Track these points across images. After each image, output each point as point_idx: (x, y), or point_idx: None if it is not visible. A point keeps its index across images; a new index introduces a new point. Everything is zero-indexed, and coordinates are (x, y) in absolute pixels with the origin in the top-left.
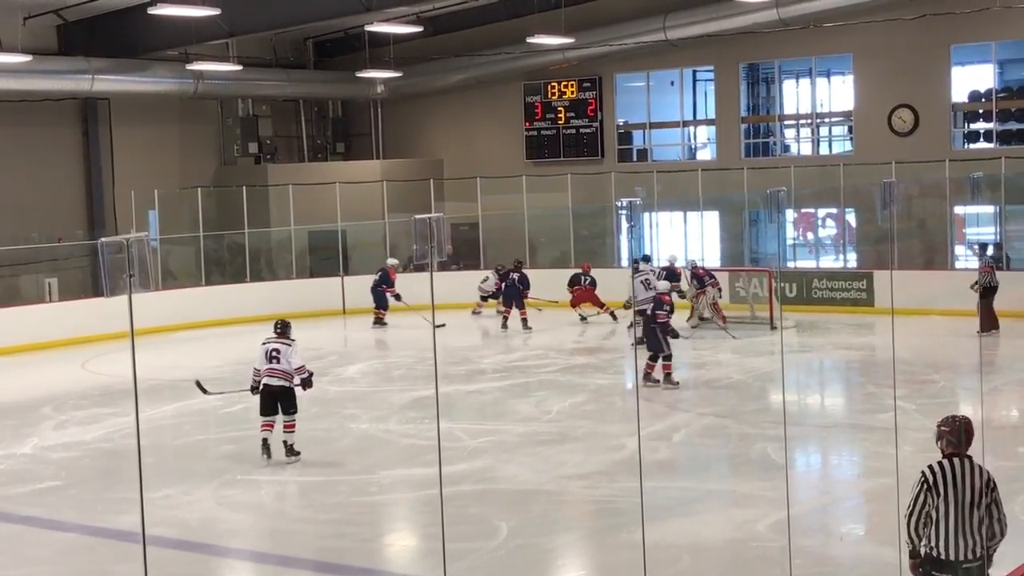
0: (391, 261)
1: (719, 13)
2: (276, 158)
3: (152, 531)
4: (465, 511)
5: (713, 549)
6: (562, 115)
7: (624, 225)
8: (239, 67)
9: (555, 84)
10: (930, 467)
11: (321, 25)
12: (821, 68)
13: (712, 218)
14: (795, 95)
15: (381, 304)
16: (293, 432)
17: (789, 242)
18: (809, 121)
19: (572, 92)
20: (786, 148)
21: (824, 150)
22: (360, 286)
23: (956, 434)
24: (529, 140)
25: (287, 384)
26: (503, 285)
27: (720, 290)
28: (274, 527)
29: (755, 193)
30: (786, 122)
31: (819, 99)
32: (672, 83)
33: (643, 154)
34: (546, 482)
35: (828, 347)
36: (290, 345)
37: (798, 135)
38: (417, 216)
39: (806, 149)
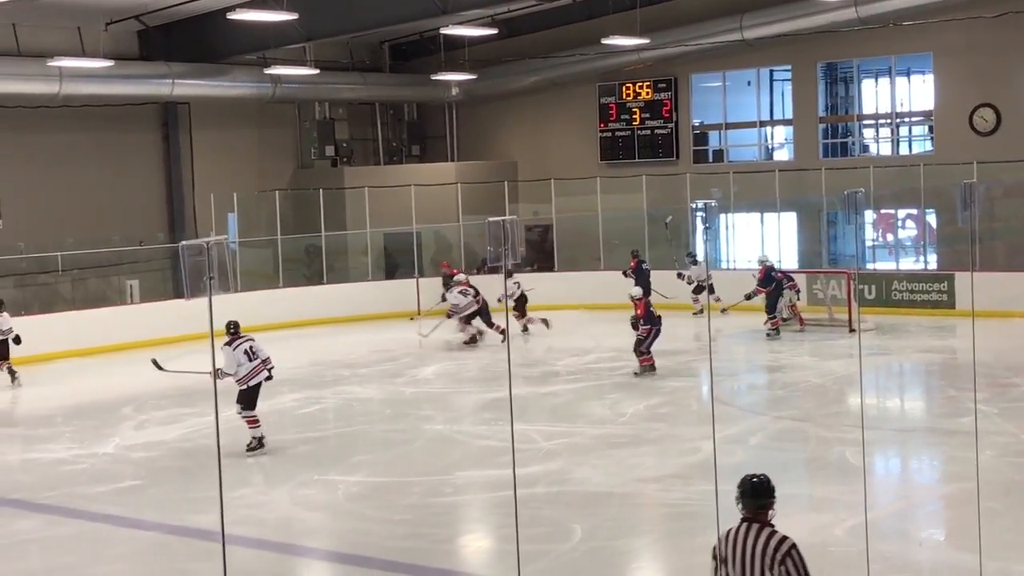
0: None
1: (796, 12)
2: (352, 161)
3: (230, 530)
4: (539, 513)
5: None
6: (637, 116)
7: (700, 227)
8: (316, 71)
9: (630, 85)
10: (724, 533)
11: (397, 28)
12: (901, 67)
13: (790, 219)
14: (874, 94)
15: None
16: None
17: (868, 243)
18: (888, 121)
19: (647, 93)
20: (865, 148)
21: (904, 150)
22: (435, 288)
23: (746, 496)
24: (603, 141)
25: (269, 376)
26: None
27: (798, 292)
28: (350, 527)
29: (833, 194)
30: (865, 122)
31: (899, 98)
32: (749, 83)
33: (719, 155)
34: (620, 485)
35: (908, 350)
36: (253, 339)
37: (877, 135)
38: (491, 219)
39: (885, 149)
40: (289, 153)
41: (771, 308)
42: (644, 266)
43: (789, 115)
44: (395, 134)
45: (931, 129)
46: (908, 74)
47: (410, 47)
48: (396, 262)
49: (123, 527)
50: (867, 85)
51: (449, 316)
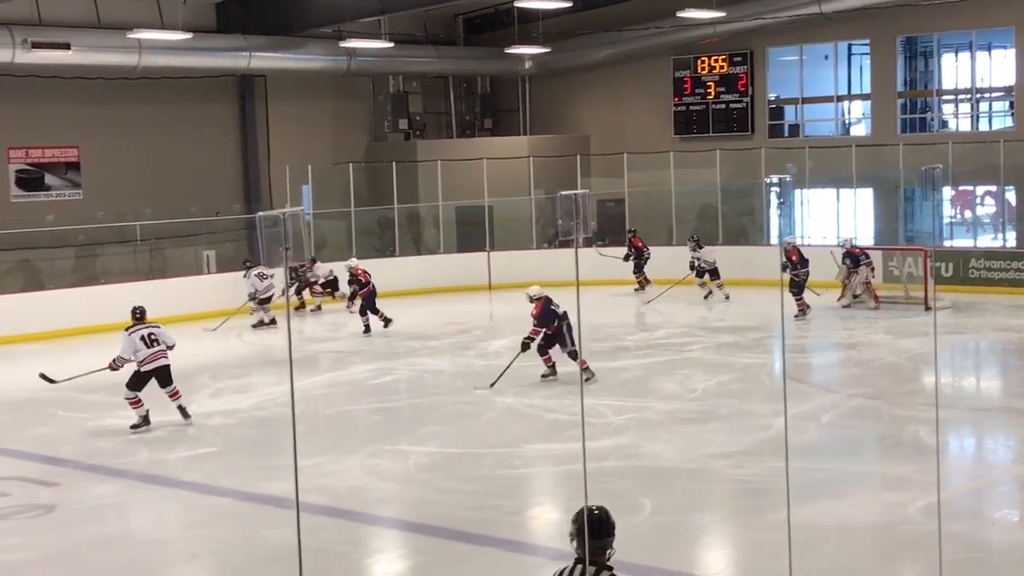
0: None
1: None
2: (425, 134)
3: (303, 498)
4: (608, 487)
5: (861, 532)
6: (712, 90)
7: (774, 202)
8: (390, 44)
9: (705, 58)
10: None
11: (471, 2)
12: (981, 41)
13: (866, 196)
14: (954, 69)
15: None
16: (180, 397)
17: (946, 220)
18: (968, 96)
19: (723, 66)
20: (944, 124)
21: (983, 126)
22: (507, 260)
23: (582, 533)
24: (677, 115)
25: (169, 362)
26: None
27: (873, 269)
28: (420, 497)
29: (911, 170)
30: (944, 97)
31: (979, 73)
32: (826, 57)
33: (795, 130)
34: (690, 460)
35: (985, 328)
36: (159, 327)
37: (956, 110)
38: (563, 192)
39: (965, 125)
40: (363, 126)
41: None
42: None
43: (867, 90)
44: (468, 107)
45: (1012, 105)
46: (989, 49)
47: (484, 20)
48: (468, 235)
49: (199, 493)
50: (947, 60)
51: (251, 300)
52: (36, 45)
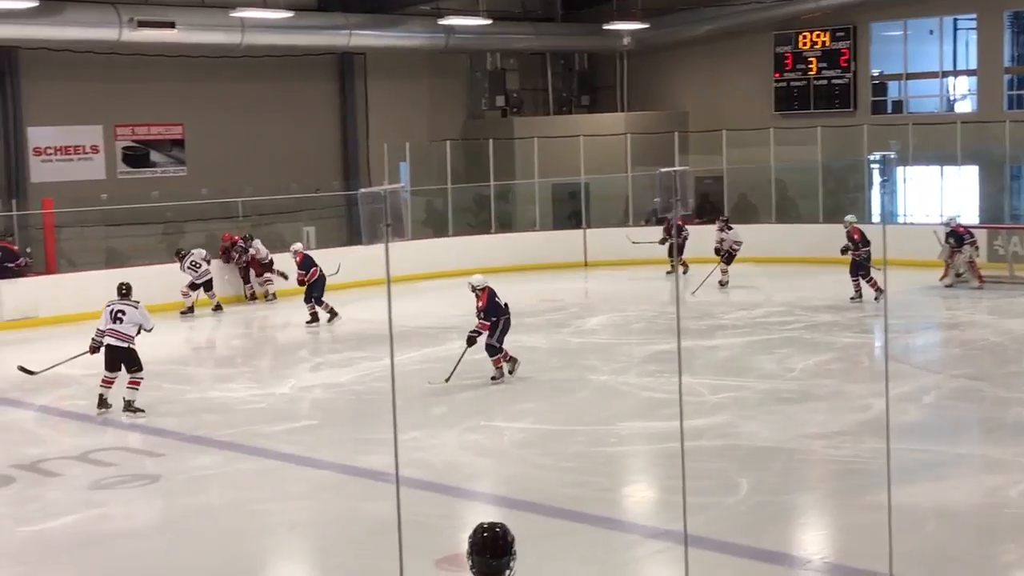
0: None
1: None
2: (522, 111)
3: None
4: (704, 466)
5: (962, 514)
6: (814, 66)
7: (876, 180)
8: (488, 21)
9: (807, 34)
10: None
11: None
12: None
13: (971, 173)
14: None
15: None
16: (136, 389)
17: None
18: None
19: (825, 42)
20: None
21: None
22: (603, 237)
23: (476, 553)
24: (778, 92)
25: (126, 345)
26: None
27: (977, 248)
28: (515, 473)
29: (1018, 147)
30: None
31: None
32: (931, 32)
33: (898, 106)
34: (787, 440)
35: None
36: (135, 307)
37: None
38: (662, 169)
39: None
40: (460, 103)
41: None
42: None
43: (973, 65)
44: (565, 84)
45: None
46: None
47: None
48: (564, 212)
49: (299, 465)
50: None
51: (194, 288)
52: (142, 24)
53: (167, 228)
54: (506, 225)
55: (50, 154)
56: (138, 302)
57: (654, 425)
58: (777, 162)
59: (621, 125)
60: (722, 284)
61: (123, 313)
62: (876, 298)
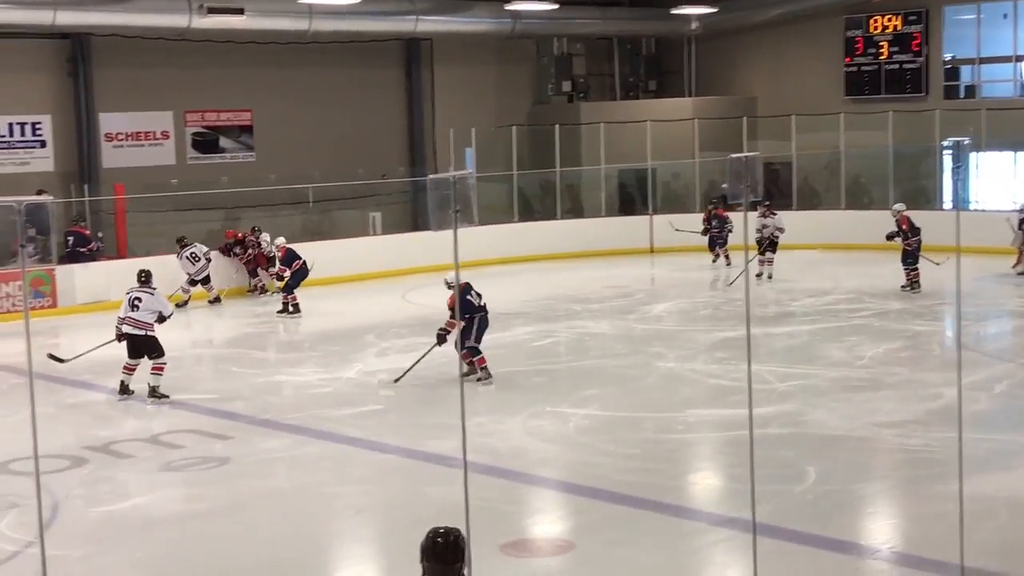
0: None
1: None
2: (588, 96)
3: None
4: (772, 454)
5: None
6: (884, 50)
7: (948, 166)
8: (555, 6)
9: (878, 17)
10: None
11: None
12: None
13: None
14: None
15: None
16: (160, 375)
17: None
18: None
19: (896, 26)
20: None
21: None
22: (670, 223)
23: (427, 559)
24: (848, 76)
25: (144, 332)
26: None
27: None
28: (580, 459)
29: None
30: None
31: None
32: (1005, 16)
33: (971, 91)
34: (857, 428)
35: None
36: (152, 294)
37: None
38: (732, 155)
39: None
40: (526, 89)
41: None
42: (726, 225)
43: None
44: (632, 69)
45: None
46: None
47: None
48: (630, 198)
49: (365, 449)
50: None
51: (193, 284)
52: (211, 10)
53: (234, 214)
54: (572, 211)
55: (121, 140)
56: (155, 289)
57: (721, 412)
58: (847, 148)
59: (688, 110)
60: (759, 277)
61: (139, 300)
62: (905, 287)
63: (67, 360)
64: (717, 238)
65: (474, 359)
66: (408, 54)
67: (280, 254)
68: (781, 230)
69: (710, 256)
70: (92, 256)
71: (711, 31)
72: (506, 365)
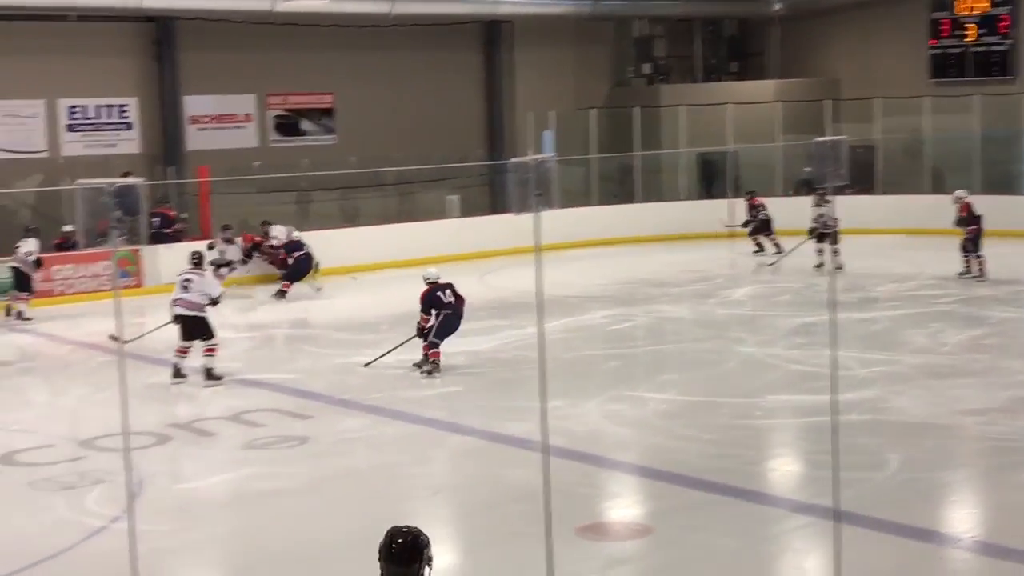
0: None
1: None
2: (669, 79)
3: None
4: (853, 441)
5: None
6: (971, 32)
7: None
8: None
9: None
10: None
11: None
12: None
13: None
14: None
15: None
16: (213, 356)
17: None
18: None
19: (984, 7)
20: None
21: None
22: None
23: (383, 559)
24: (933, 59)
25: (195, 314)
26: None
27: None
28: (658, 443)
29: None
30: None
31: None
32: None
33: None
34: (940, 416)
35: None
36: (202, 275)
37: None
38: (818, 139)
39: None
40: (606, 71)
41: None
42: (762, 213)
43: None
44: (713, 51)
45: None
46: None
47: None
48: (710, 182)
49: (442, 430)
50: None
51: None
52: None
53: (316, 196)
54: (651, 195)
55: (205, 122)
56: (205, 271)
57: (800, 398)
58: (932, 131)
59: (771, 93)
60: (818, 268)
61: (190, 282)
62: (963, 274)
63: (128, 341)
64: (761, 227)
65: (429, 351)
66: (488, 36)
67: (282, 240)
68: (836, 219)
69: (753, 245)
70: (176, 237)
71: (794, 12)
72: (583, 349)
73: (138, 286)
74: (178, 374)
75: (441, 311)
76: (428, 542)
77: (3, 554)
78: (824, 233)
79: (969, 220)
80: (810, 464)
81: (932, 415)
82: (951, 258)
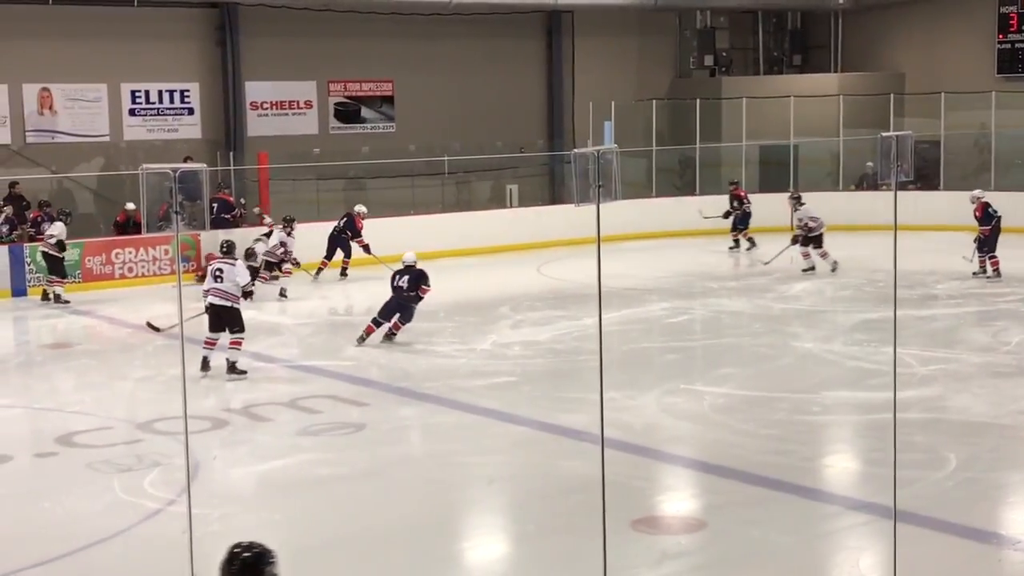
0: (359, 208)
1: None
2: (731, 71)
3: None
4: (911, 439)
5: None
6: None
7: None
8: None
9: None
10: None
11: None
12: None
13: None
14: None
15: (344, 252)
16: (238, 350)
17: None
18: None
19: None
20: None
21: None
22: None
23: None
24: (1001, 53)
25: (230, 304)
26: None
27: None
28: (715, 438)
29: None
30: None
31: None
32: None
33: None
34: (1001, 416)
35: None
36: (233, 264)
37: None
38: (883, 133)
39: None
40: (667, 62)
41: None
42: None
43: None
44: (776, 43)
45: None
46: None
47: None
48: (771, 175)
49: (498, 420)
50: None
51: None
52: None
53: (375, 184)
54: (711, 187)
55: (266, 108)
56: (237, 260)
57: (859, 395)
58: (999, 127)
59: (834, 86)
60: (806, 271)
61: (221, 272)
62: (977, 273)
63: (164, 329)
64: (742, 220)
65: (372, 327)
66: (549, 26)
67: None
68: (815, 220)
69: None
70: (236, 223)
71: (859, 5)
72: (640, 341)
73: (197, 270)
74: (206, 366)
75: (396, 296)
76: (273, 559)
77: (61, 535)
78: (808, 237)
79: (985, 220)
80: (868, 462)
81: (993, 415)
82: (1016, 255)
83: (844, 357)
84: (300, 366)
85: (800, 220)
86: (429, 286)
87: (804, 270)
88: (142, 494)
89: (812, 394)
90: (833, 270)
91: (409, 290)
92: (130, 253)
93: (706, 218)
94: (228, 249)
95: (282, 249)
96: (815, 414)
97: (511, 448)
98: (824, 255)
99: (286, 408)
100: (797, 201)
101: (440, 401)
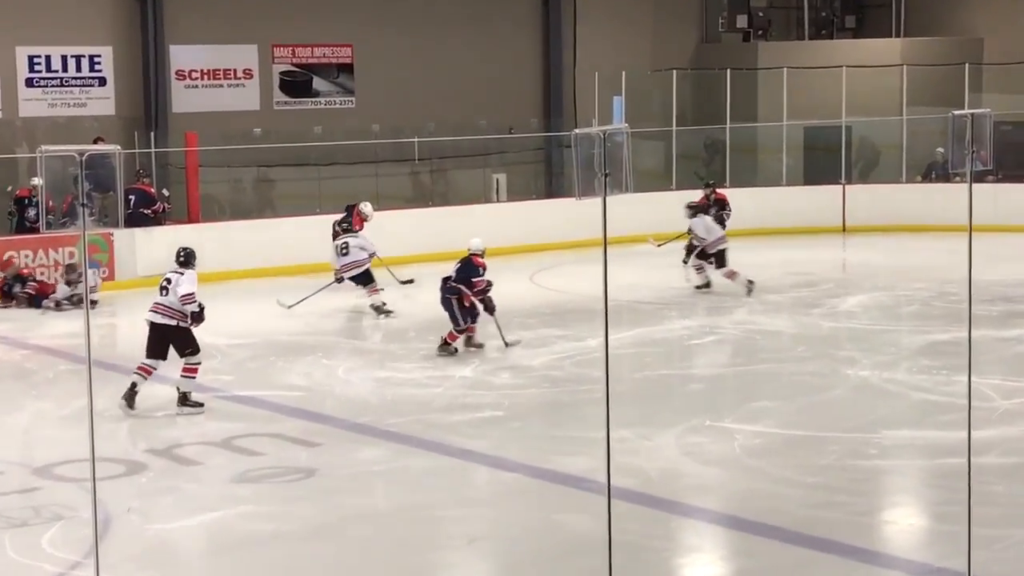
0: (365, 209)
1: None
2: (769, 35)
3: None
4: (990, 488)
5: None
6: None
7: None
8: None
9: None
10: None
11: None
12: None
13: None
14: None
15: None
16: (193, 378)
17: None
18: None
19: None
20: None
21: None
22: (868, 196)
23: None
24: None
25: (177, 323)
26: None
27: None
28: (749, 488)
29: None
30: None
31: None
32: None
33: None
34: None
35: None
36: (182, 274)
37: None
38: (955, 112)
39: None
40: (691, 24)
41: None
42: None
43: None
44: (825, 2)
45: None
46: None
47: None
48: (819, 163)
49: (481, 464)
50: None
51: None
52: None
53: (330, 172)
54: (745, 178)
55: (195, 79)
56: (185, 272)
57: (926, 435)
58: None
59: (896, 54)
60: (698, 288)
61: (169, 283)
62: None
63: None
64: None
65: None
66: None
67: None
68: (704, 236)
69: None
70: (157, 219)
71: None
72: (657, 368)
73: (109, 278)
74: (130, 398)
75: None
76: None
77: None
78: (706, 251)
79: None
80: (936, 516)
81: None
82: None
83: (908, 388)
84: (236, 396)
85: (690, 231)
86: (481, 276)
87: (697, 287)
88: (40, 555)
89: (869, 433)
90: (749, 293)
91: (457, 281)
92: (27, 256)
93: (659, 245)
94: (184, 258)
95: None
96: (872, 458)
97: (496, 499)
98: (731, 275)
99: (219, 449)
100: (694, 211)
101: (409, 441)
